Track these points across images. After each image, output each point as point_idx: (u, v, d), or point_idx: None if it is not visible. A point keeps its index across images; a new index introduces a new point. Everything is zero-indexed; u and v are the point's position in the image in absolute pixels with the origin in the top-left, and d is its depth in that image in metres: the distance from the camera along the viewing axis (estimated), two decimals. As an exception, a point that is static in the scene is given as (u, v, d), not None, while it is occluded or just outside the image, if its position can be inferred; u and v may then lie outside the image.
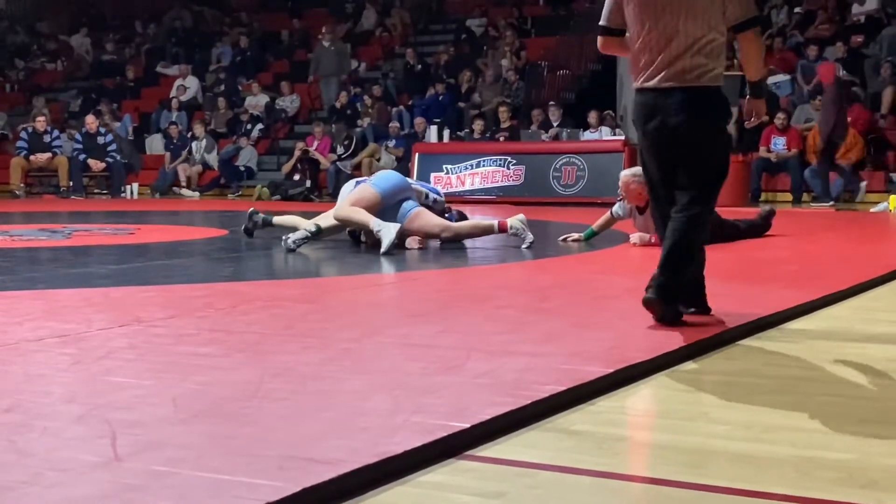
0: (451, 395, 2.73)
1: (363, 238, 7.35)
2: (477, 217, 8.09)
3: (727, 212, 8.88)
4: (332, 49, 18.41)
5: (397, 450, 2.21)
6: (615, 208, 7.60)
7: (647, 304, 3.79)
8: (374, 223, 6.76)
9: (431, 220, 7.23)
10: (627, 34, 4.01)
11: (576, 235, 7.68)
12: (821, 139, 13.43)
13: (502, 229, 7.21)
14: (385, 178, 7.46)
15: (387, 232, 6.65)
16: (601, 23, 4.10)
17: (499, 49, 18.29)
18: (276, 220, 7.80)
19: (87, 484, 1.99)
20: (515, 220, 7.24)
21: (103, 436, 2.30)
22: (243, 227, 7.90)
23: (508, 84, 17.37)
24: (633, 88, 4.04)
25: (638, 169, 7.69)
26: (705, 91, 3.87)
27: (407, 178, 7.78)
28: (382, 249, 6.57)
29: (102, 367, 3.09)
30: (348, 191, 7.34)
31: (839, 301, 4.79)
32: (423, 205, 7.29)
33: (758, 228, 8.05)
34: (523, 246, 7.09)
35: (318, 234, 7.09)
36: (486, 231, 7.35)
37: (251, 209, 8.01)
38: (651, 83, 3.88)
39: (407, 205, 7.17)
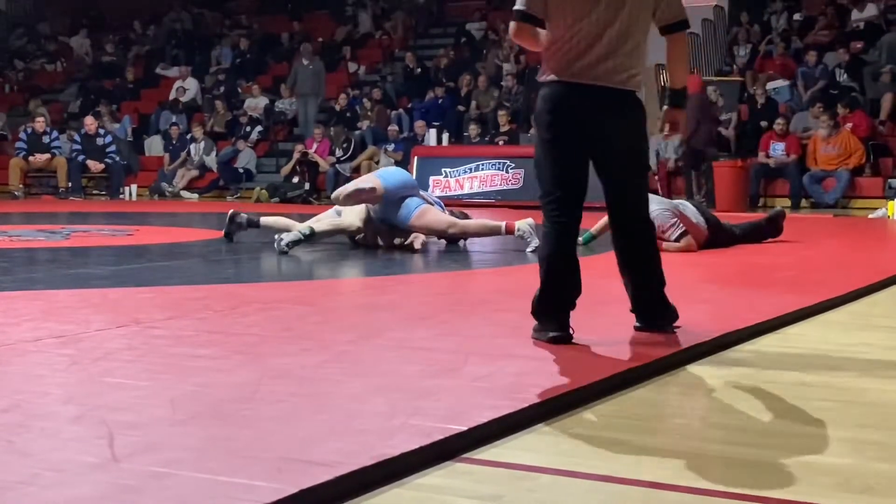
0: (449, 398, 2.73)
1: (358, 240, 7.36)
2: (484, 218, 8.07)
3: (729, 217, 8.91)
4: (311, 68, 18.00)
5: (394, 452, 2.21)
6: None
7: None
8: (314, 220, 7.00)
9: (438, 217, 7.23)
10: (549, 24, 3.66)
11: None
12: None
13: (509, 231, 7.20)
14: (392, 173, 7.49)
15: (294, 235, 6.87)
16: (518, 7, 3.66)
17: (492, 52, 18.28)
18: (264, 221, 7.75)
19: (85, 484, 1.99)
20: (524, 223, 7.22)
21: (101, 437, 2.30)
22: (224, 232, 7.77)
23: (507, 88, 17.37)
24: (543, 80, 3.68)
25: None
26: (630, 95, 3.70)
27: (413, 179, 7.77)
28: (285, 239, 6.78)
29: (100, 367, 3.09)
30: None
31: (838, 306, 4.80)
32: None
33: (762, 231, 7.93)
34: (528, 249, 7.08)
35: (311, 237, 7.09)
36: (492, 231, 7.33)
37: (231, 211, 7.90)
38: (576, 79, 3.60)
39: (412, 202, 7.17)
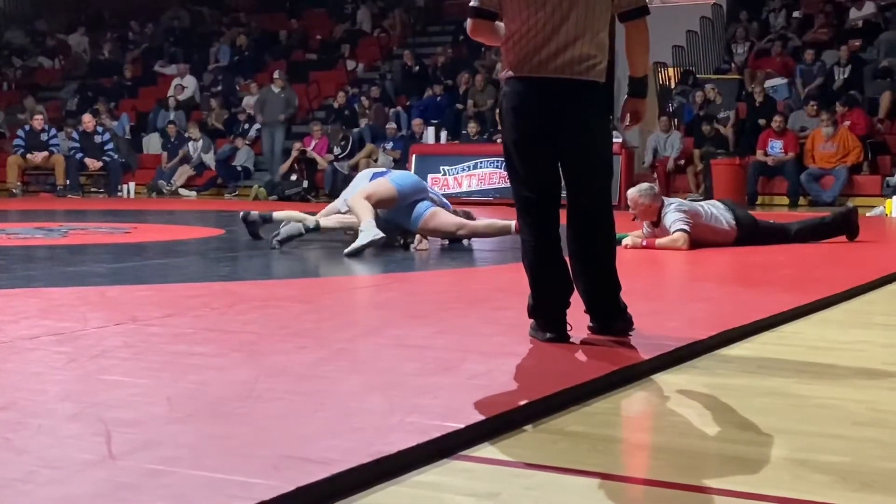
0: (447, 395, 2.73)
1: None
2: (489, 217, 8.05)
3: (787, 216, 8.91)
4: (282, 95, 17.29)
5: (392, 450, 2.21)
6: (644, 230, 7.48)
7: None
8: (365, 223, 6.68)
9: (448, 219, 7.23)
10: (505, 18, 3.58)
11: None
12: None
13: (518, 231, 7.18)
14: (404, 175, 7.46)
15: (366, 235, 6.56)
16: (472, 4, 3.59)
17: (490, 50, 18.27)
18: (276, 215, 7.68)
19: (82, 482, 1.99)
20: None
21: (98, 434, 2.30)
22: (250, 233, 7.63)
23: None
24: (504, 77, 3.61)
25: (645, 185, 7.70)
26: (592, 85, 3.55)
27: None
28: (349, 249, 6.50)
29: (98, 365, 3.09)
30: (364, 181, 7.30)
31: (835, 304, 4.80)
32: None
33: (826, 229, 7.77)
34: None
35: (315, 231, 7.08)
36: (501, 231, 7.31)
37: (242, 213, 7.80)
38: (535, 73, 3.51)
39: (422, 205, 7.17)
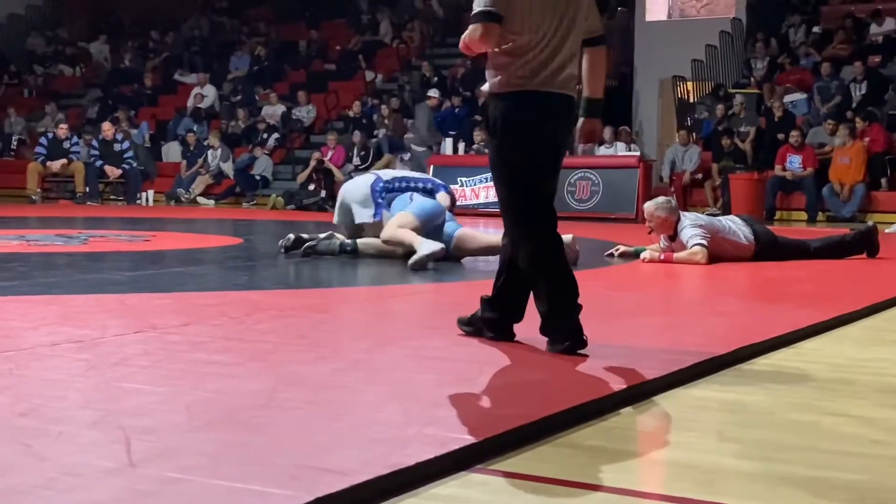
0: (464, 407, 2.73)
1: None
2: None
3: (808, 233, 8.88)
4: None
5: (409, 461, 2.22)
6: (662, 243, 7.50)
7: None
8: (417, 241, 6.67)
9: (478, 240, 7.20)
10: (509, 29, 3.59)
11: (622, 248, 7.68)
12: None
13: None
14: (420, 205, 7.38)
15: (427, 246, 6.57)
16: (486, 8, 3.56)
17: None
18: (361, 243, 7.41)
19: (102, 489, 2.00)
20: (568, 237, 7.18)
21: (118, 441, 2.31)
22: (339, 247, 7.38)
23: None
24: (504, 90, 3.62)
25: (661, 198, 7.71)
26: (574, 101, 3.73)
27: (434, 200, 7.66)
28: (413, 260, 6.47)
29: (117, 373, 3.10)
30: (362, 189, 7.29)
31: (853, 321, 4.78)
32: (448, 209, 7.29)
33: (846, 246, 7.73)
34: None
35: (353, 252, 7.12)
36: None
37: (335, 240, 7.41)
38: (545, 87, 3.59)
39: (449, 227, 7.16)
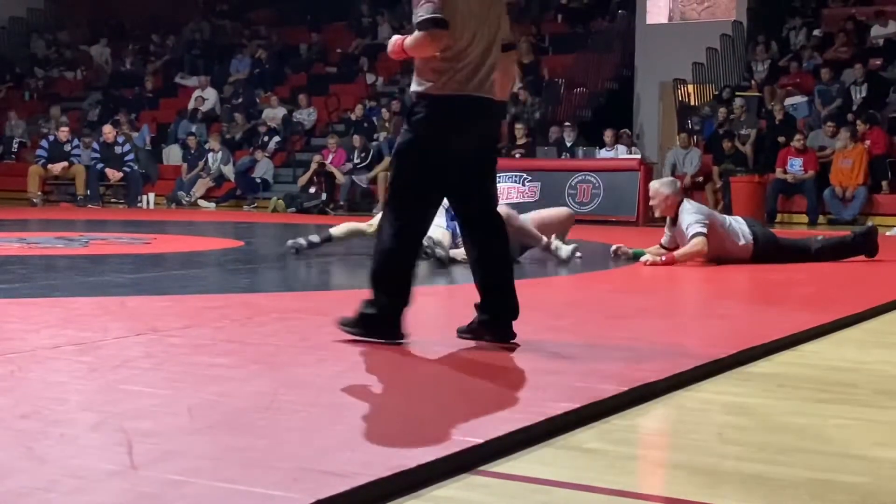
0: (465, 409, 2.73)
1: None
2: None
3: (807, 234, 8.90)
4: None
5: (411, 464, 2.22)
6: (662, 240, 7.59)
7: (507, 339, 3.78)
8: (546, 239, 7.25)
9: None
10: (448, 33, 3.68)
11: (622, 248, 7.76)
12: None
13: (546, 248, 7.30)
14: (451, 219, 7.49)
15: (568, 248, 7.20)
16: (432, 15, 3.63)
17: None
18: (334, 231, 7.66)
19: (104, 492, 2.00)
20: (567, 248, 7.25)
21: (119, 444, 2.31)
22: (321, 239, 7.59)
23: (520, 101, 17.40)
24: (436, 92, 3.70)
25: (668, 179, 7.82)
26: (496, 104, 3.88)
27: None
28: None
29: (119, 375, 3.10)
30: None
31: (854, 324, 4.78)
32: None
33: (846, 247, 7.76)
34: (563, 255, 7.19)
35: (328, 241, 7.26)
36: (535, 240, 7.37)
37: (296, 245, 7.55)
38: (476, 92, 3.71)
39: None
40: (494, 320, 3.81)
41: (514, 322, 3.81)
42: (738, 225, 7.53)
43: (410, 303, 3.76)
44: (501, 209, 7.13)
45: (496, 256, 3.84)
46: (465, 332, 3.87)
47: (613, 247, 7.87)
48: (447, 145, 3.74)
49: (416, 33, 3.69)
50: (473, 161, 3.82)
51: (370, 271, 3.79)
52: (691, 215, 7.24)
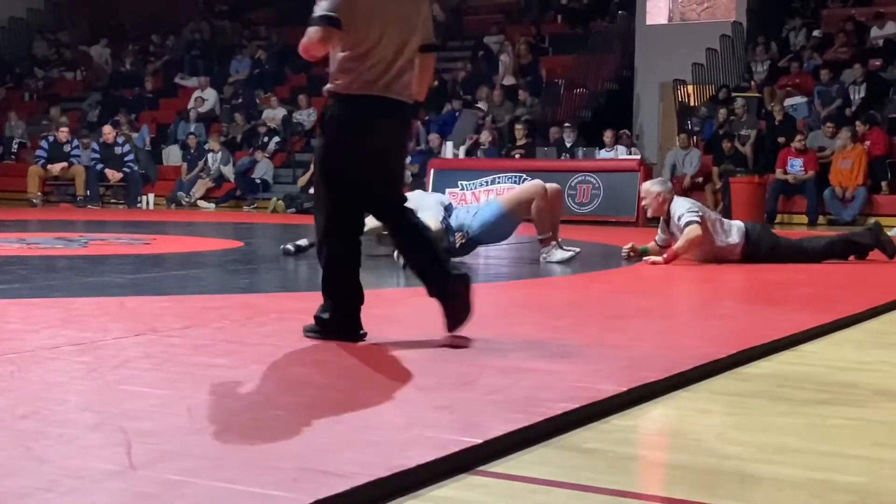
0: (464, 410, 2.73)
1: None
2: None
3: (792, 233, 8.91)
4: None
5: (410, 464, 2.22)
6: (656, 238, 7.63)
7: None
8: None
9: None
10: (351, 34, 3.73)
11: (635, 247, 7.82)
12: None
13: (543, 244, 7.32)
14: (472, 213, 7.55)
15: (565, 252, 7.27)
16: (326, 13, 3.66)
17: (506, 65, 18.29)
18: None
19: (103, 492, 2.00)
20: (563, 254, 7.28)
21: (119, 444, 2.31)
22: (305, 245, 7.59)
23: (521, 101, 17.42)
24: (344, 91, 3.76)
25: (658, 178, 7.88)
26: (408, 106, 3.92)
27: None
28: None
29: (118, 375, 3.10)
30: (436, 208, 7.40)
31: (855, 324, 4.78)
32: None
33: (854, 246, 7.76)
34: (550, 259, 7.19)
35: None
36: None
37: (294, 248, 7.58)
38: (384, 93, 3.76)
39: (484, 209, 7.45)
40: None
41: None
42: (731, 222, 7.59)
43: (362, 300, 3.87)
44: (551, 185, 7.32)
45: (423, 243, 3.94)
46: (448, 327, 3.90)
47: (624, 251, 7.83)
48: (358, 144, 3.78)
49: (308, 29, 3.73)
50: (386, 161, 3.88)
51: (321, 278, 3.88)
52: (682, 207, 7.37)
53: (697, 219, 7.23)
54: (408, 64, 3.83)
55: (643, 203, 7.73)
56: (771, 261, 7.33)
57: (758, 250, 7.40)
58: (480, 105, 17.33)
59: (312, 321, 3.89)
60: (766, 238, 7.60)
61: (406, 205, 3.94)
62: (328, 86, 3.83)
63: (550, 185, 7.58)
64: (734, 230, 7.45)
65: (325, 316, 3.84)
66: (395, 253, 6.76)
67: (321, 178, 3.87)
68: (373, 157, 3.81)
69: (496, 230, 7.33)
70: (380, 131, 3.80)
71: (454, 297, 3.86)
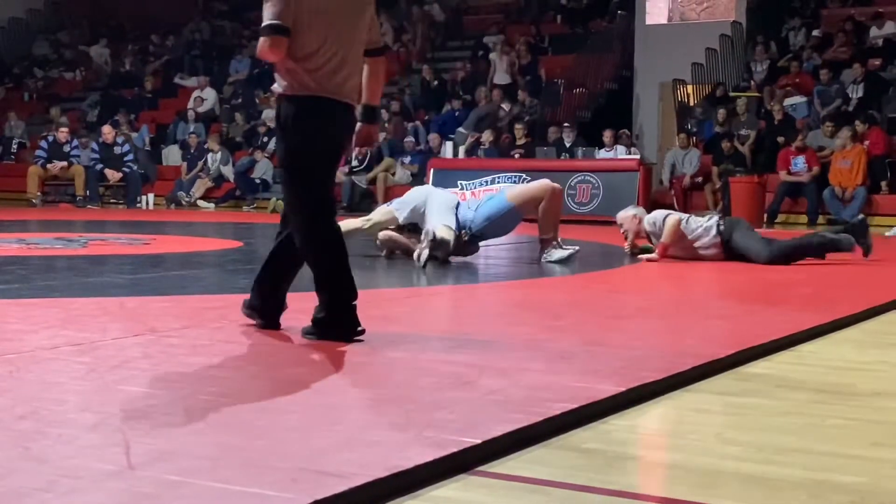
0: (463, 410, 2.73)
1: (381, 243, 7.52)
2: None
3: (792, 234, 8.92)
4: None
5: (408, 464, 2.22)
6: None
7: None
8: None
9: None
10: (298, 37, 3.81)
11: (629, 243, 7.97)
12: None
13: (544, 245, 7.33)
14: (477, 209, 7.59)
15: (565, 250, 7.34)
16: (276, 21, 3.77)
17: (505, 64, 18.27)
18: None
19: (101, 492, 2.00)
20: (562, 252, 7.29)
21: (117, 444, 2.31)
22: None
23: (520, 101, 17.42)
24: (292, 93, 3.85)
25: (629, 207, 8.18)
26: (354, 109, 4.01)
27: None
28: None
29: (117, 376, 3.10)
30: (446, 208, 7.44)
31: (853, 324, 4.78)
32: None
33: (838, 244, 7.70)
34: (549, 259, 7.19)
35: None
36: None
37: None
38: (334, 96, 3.85)
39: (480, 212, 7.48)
40: (262, 307, 4.08)
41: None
42: (705, 222, 7.64)
43: (355, 295, 3.88)
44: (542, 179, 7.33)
45: (295, 264, 4.07)
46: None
47: (627, 246, 7.94)
48: (317, 142, 3.87)
49: (260, 38, 3.86)
50: (331, 161, 3.97)
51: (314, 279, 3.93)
52: (656, 214, 7.74)
53: (673, 214, 7.69)
54: (355, 69, 3.93)
55: (622, 231, 7.96)
56: (746, 260, 7.41)
57: (733, 251, 7.50)
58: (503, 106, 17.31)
59: (310, 324, 3.89)
60: (737, 227, 7.66)
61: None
62: (276, 87, 3.92)
63: (538, 183, 7.69)
64: (703, 230, 7.59)
65: (322, 315, 3.85)
66: (416, 254, 6.77)
67: (293, 181, 3.93)
68: (321, 155, 3.91)
69: (500, 224, 7.34)
70: (331, 131, 3.90)
71: (271, 321, 4.07)
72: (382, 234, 7.41)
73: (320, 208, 3.92)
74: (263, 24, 3.81)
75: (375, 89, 4.10)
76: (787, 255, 7.42)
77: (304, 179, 3.90)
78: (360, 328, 3.84)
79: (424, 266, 6.62)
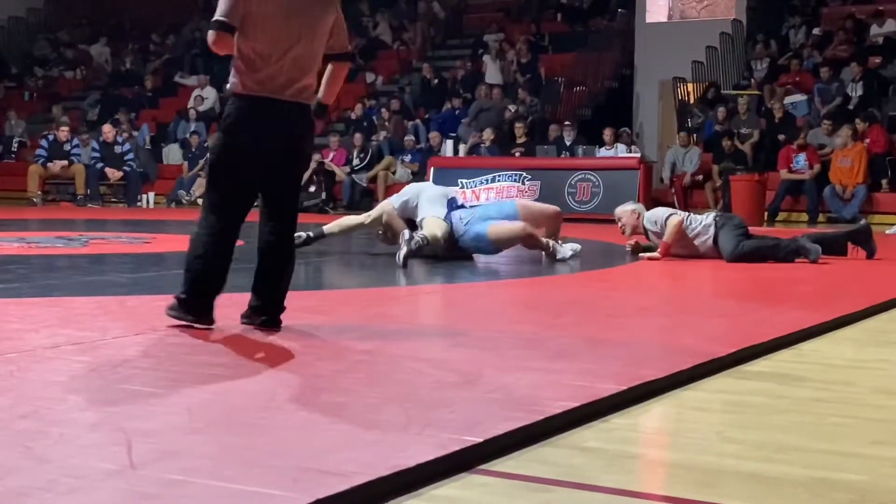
0: (464, 409, 2.73)
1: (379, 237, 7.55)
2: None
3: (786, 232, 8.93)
4: None
5: (410, 463, 2.22)
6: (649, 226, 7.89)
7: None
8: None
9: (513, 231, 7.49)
10: (244, 37, 3.90)
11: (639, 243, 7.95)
12: None
13: (549, 253, 7.34)
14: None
15: (568, 248, 7.42)
16: (222, 18, 3.88)
17: (505, 63, 18.26)
18: (327, 228, 7.80)
19: (103, 491, 2.00)
20: (566, 249, 7.31)
21: (118, 443, 2.31)
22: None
23: (520, 100, 17.41)
24: (238, 91, 3.93)
25: (628, 203, 8.20)
26: (309, 108, 4.05)
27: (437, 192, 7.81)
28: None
29: (118, 375, 3.11)
30: (437, 203, 7.47)
31: (854, 322, 4.78)
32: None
33: (840, 245, 7.77)
34: (560, 257, 7.25)
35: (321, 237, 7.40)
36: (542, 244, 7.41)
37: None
38: (276, 95, 3.90)
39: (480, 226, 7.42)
40: (265, 306, 4.11)
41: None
42: (705, 220, 7.65)
43: (219, 289, 4.05)
44: (519, 222, 7.31)
45: (278, 269, 4.16)
46: (244, 318, 4.12)
47: (629, 245, 7.95)
48: (251, 144, 3.91)
49: (208, 32, 3.96)
50: (283, 162, 3.99)
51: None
52: (658, 211, 7.74)
53: (676, 213, 7.68)
54: (305, 70, 3.96)
55: (619, 225, 7.96)
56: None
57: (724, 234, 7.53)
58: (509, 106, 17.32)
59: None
60: (727, 224, 7.66)
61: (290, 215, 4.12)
62: (228, 84, 3.99)
63: (550, 208, 7.86)
64: (702, 228, 7.61)
65: (181, 296, 3.98)
66: (398, 255, 6.76)
67: (211, 174, 4.04)
68: (267, 158, 3.94)
69: (483, 250, 7.44)
70: (263, 132, 3.92)
71: (268, 321, 4.10)
72: (386, 217, 7.48)
73: (225, 212, 4.01)
74: (213, 18, 3.92)
75: (333, 91, 4.19)
76: (745, 255, 7.42)
77: (226, 177, 3.98)
78: (212, 320, 3.99)
79: (405, 265, 6.63)
